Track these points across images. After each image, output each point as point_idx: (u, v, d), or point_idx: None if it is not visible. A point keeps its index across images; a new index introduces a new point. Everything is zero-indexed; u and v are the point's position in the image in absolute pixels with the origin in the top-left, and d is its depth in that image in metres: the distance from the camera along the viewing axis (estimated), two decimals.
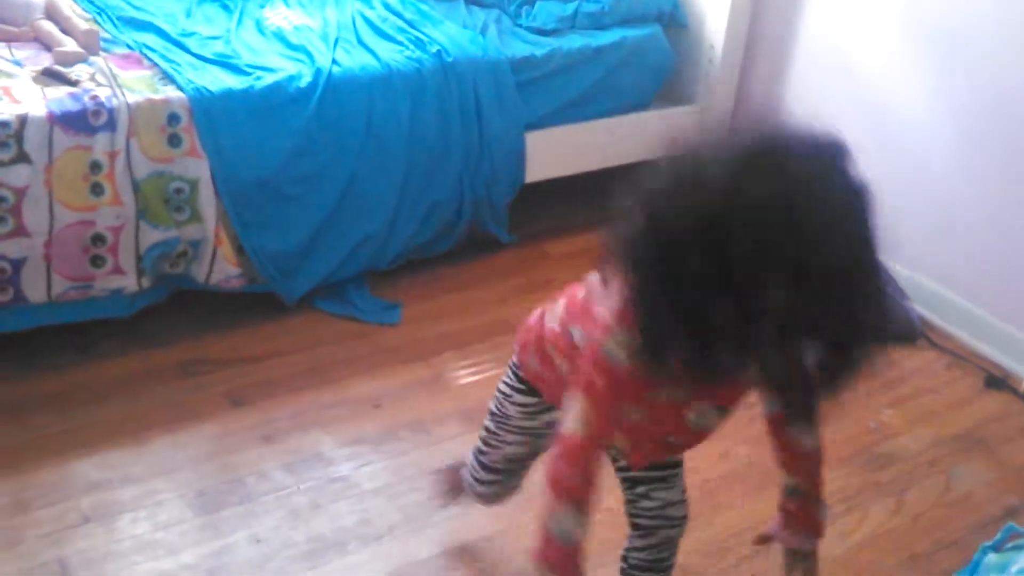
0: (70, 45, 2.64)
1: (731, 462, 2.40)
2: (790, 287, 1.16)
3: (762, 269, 1.17)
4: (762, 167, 1.20)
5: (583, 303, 1.58)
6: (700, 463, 2.37)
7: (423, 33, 3.03)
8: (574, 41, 3.19)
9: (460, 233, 3.09)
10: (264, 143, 2.67)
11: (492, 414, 1.83)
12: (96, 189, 2.46)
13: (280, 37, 2.98)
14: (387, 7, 3.21)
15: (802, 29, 3.25)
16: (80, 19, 2.77)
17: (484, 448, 1.89)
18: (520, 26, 3.26)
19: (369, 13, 3.17)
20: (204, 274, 2.67)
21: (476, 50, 3.00)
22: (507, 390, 1.79)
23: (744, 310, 1.18)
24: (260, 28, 3.04)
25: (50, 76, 2.54)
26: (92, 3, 2.94)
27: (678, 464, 1.76)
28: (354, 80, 2.80)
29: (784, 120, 1.30)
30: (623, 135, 3.37)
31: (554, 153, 3.22)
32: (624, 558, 1.82)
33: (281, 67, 2.77)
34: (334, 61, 2.82)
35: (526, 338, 1.73)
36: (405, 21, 3.12)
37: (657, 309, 1.25)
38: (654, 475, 1.71)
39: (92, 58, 2.65)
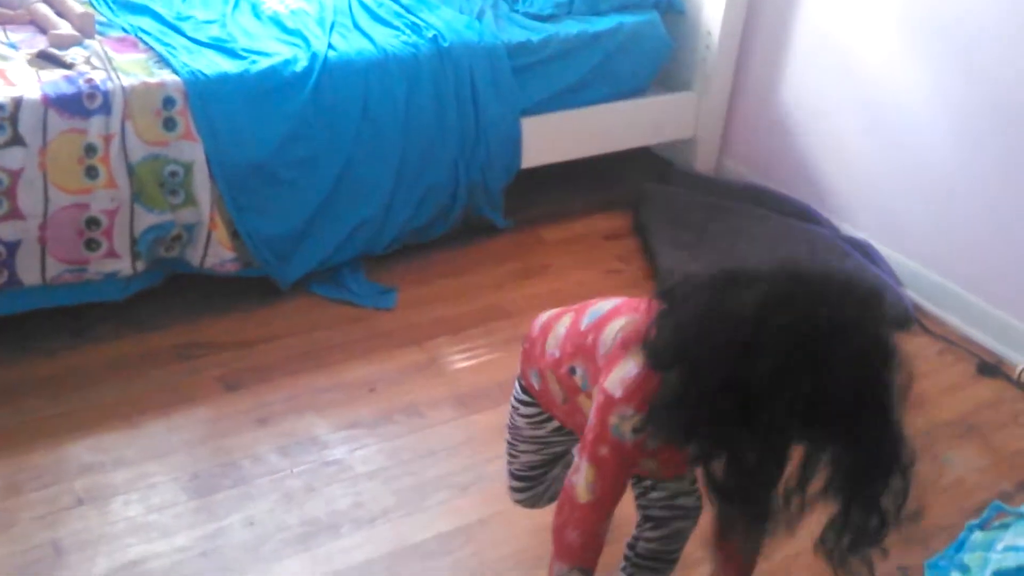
0: (65, 28, 2.64)
1: None
2: (798, 418, 1.23)
3: (774, 398, 1.23)
4: (794, 302, 1.25)
5: (586, 338, 1.60)
6: None
7: (419, 18, 3.02)
8: (571, 27, 3.18)
9: (456, 218, 3.09)
10: (259, 127, 2.67)
11: (507, 426, 1.89)
12: (91, 172, 2.46)
13: (276, 21, 2.97)
14: None
15: (799, 15, 3.24)
16: (75, 2, 2.77)
17: (508, 459, 1.94)
18: (516, 11, 3.26)
19: None
20: (199, 258, 2.67)
21: (472, 35, 2.99)
22: (514, 402, 1.84)
23: (750, 429, 1.25)
24: (256, 12, 3.04)
25: (45, 59, 2.53)
26: None
27: None
28: (350, 65, 2.79)
29: (828, 265, 1.37)
30: (620, 121, 3.37)
31: (550, 139, 3.22)
32: (631, 546, 1.82)
33: (277, 51, 2.77)
34: (330, 46, 2.82)
35: (528, 352, 1.77)
36: (401, 6, 3.12)
37: (674, 409, 1.32)
38: None
39: (87, 41, 2.65)
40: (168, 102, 2.53)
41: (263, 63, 2.69)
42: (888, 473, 1.29)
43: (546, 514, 1.72)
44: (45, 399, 2.39)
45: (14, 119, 2.36)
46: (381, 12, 3.07)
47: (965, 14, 2.75)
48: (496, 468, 2.04)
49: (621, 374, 1.44)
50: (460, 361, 2.65)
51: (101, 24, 2.76)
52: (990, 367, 2.75)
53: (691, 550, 1.90)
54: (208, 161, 2.59)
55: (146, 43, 2.69)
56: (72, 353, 2.55)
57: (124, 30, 2.76)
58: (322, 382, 2.52)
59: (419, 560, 2.05)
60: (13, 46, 2.59)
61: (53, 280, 2.51)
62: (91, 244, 2.51)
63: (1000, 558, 1.56)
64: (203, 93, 2.57)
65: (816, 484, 1.30)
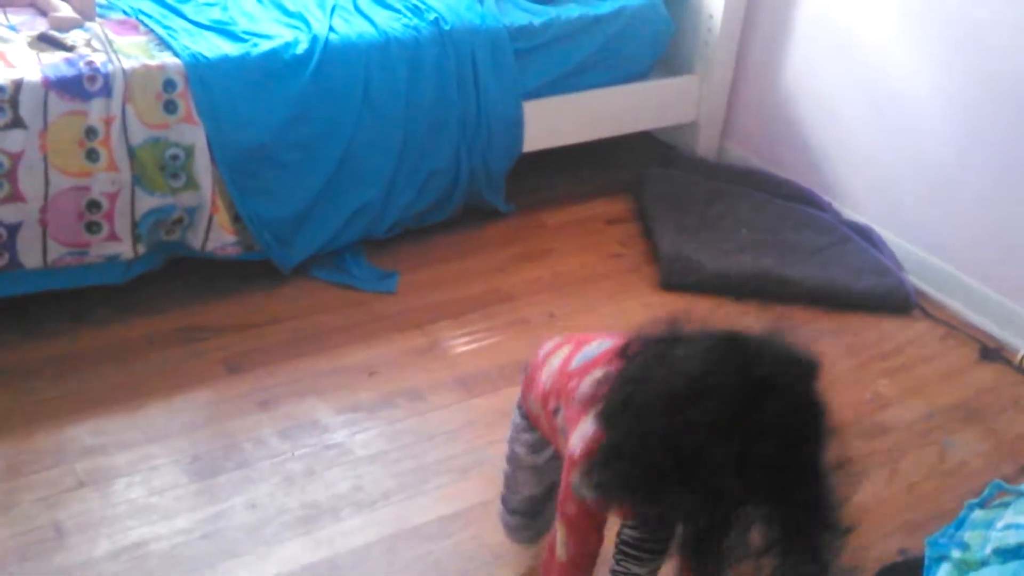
0: (65, 10, 2.63)
1: None
2: (731, 476, 1.27)
3: (707, 456, 1.28)
4: (729, 362, 1.31)
5: (569, 382, 1.60)
6: None
7: (421, 1, 3.01)
8: (572, 10, 3.17)
9: (457, 202, 3.09)
10: (260, 110, 2.66)
11: (507, 457, 1.90)
12: (91, 155, 2.46)
13: (277, 4, 2.96)
14: None
15: None
16: None
17: (505, 492, 1.95)
18: None
19: None
20: (200, 241, 2.67)
21: (474, 18, 2.98)
22: (513, 432, 1.85)
23: (690, 483, 1.30)
24: None
25: (45, 41, 2.52)
26: None
27: None
28: (351, 48, 2.78)
29: (767, 332, 1.39)
30: (621, 105, 3.36)
31: (552, 123, 3.21)
32: (619, 533, 1.82)
33: (278, 34, 2.76)
34: (331, 28, 2.81)
35: (528, 380, 1.77)
36: None
37: (611, 467, 1.36)
38: None
39: (88, 24, 2.63)
40: (169, 85, 2.53)
41: (264, 46, 2.68)
42: (822, 526, 1.36)
43: None
44: (46, 381, 2.39)
45: (15, 101, 2.35)
46: None
47: None
48: (497, 452, 2.04)
49: (581, 432, 1.48)
50: (461, 345, 2.65)
51: (101, 6, 2.74)
52: (991, 352, 2.75)
53: None
54: (209, 144, 2.58)
55: (147, 25, 2.68)
56: (73, 336, 2.55)
57: (125, 12, 2.75)
58: (323, 366, 2.52)
59: (419, 543, 2.05)
60: (13, 28, 2.59)
61: (54, 263, 2.51)
62: (92, 227, 2.51)
63: (1000, 536, 1.56)
64: (204, 76, 2.57)
65: (757, 539, 1.35)
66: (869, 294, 2.88)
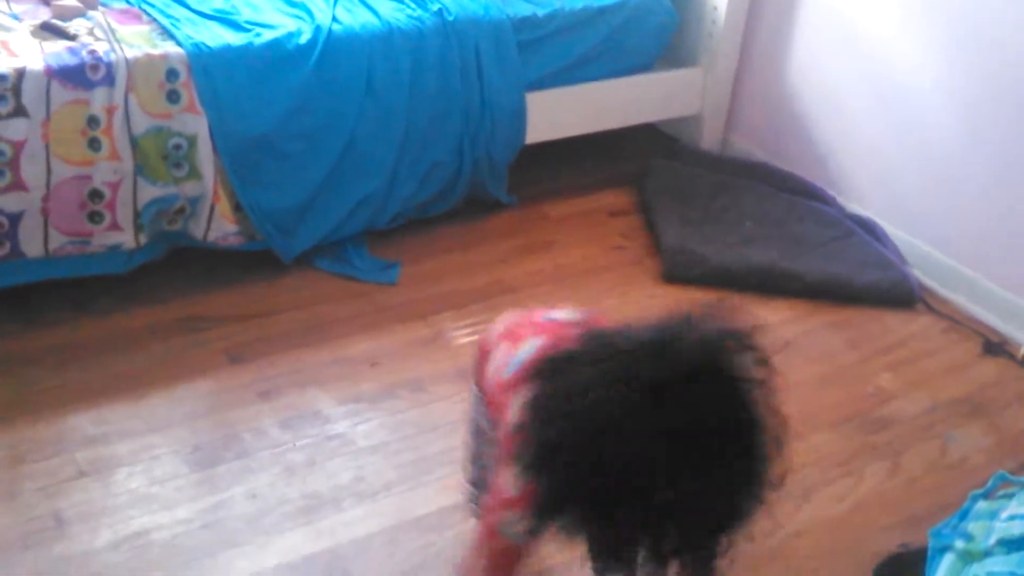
0: None
1: None
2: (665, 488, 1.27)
3: (636, 483, 1.28)
4: (637, 387, 1.28)
5: (503, 396, 1.58)
6: None
7: None
8: (576, 1, 3.15)
9: (460, 193, 3.08)
10: (263, 100, 2.66)
11: (470, 429, 1.88)
12: (94, 144, 2.45)
13: None
14: None
15: None
16: None
17: (466, 463, 1.94)
18: None
19: None
20: (202, 231, 2.66)
21: (477, 9, 2.97)
22: (474, 402, 1.83)
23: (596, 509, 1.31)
24: None
25: (48, 30, 2.52)
26: None
27: None
28: (354, 38, 2.78)
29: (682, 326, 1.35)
30: (625, 97, 3.35)
31: (555, 114, 3.20)
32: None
33: (281, 24, 2.75)
34: (334, 19, 2.80)
35: (480, 356, 1.75)
36: None
37: (550, 514, 1.37)
38: None
39: (90, 12, 2.63)
40: (171, 74, 2.52)
41: (267, 36, 2.67)
42: (723, 531, 1.36)
43: None
44: (48, 371, 2.39)
45: (17, 90, 2.35)
46: None
47: None
48: None
49: (507, 476, 1.47)
50: (464, 336, 2.64)
51: None
52: (995, 346, 2.74)
53: None
54: (211, 134, 2.58)
55: (149, 15, 2.68)
56: (75, 325, 2.55)
57: (127, 2, 2.74)
58: (325, 356, 2.52)
59: (421, 534, 2.05)
60: (16, 17, 2.58)
61: (56, 252, 2.51)
62: (94, 216, 2.51)
63: (1005, 527, 1.56)
64: (206, 65, 2.56)
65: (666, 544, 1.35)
66: (873, 288, 2.88)
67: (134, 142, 2.50)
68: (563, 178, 3.42)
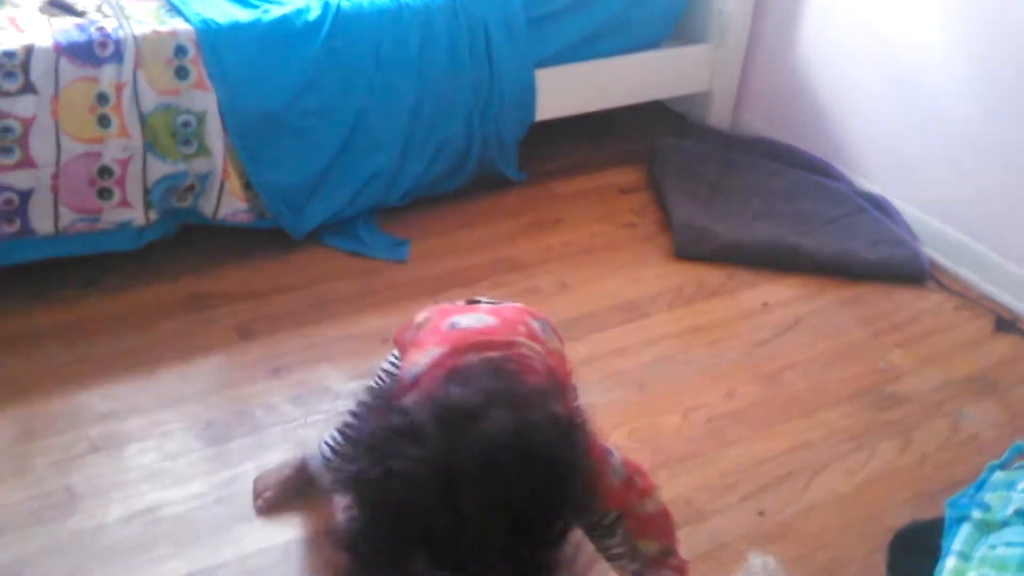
0: None
1: (737, 401, 2.40)
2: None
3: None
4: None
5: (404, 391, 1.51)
6: (706, 400, 2.38)
7: None
8: None
9: (469, 171, 3.07)
10: (272, 77, 2.65)
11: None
12: (103, 121, 2.45)
13: None
14: None
15: None
16: None
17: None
18: None
19: None
20: (212, 208, 2.66)
21: None
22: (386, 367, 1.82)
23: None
24: None
25: (56, 7, 2.51)
26: None
27: None
28: (363, 14, 2.76)
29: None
30: (635, 74, 3.34)
31: (565, 91, 3.19)
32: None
33: (289, 0, 2.74)
34: None
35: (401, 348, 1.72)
36: None
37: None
38: None
39: None
40: (180, 51, 2.51)
41: (275, 12, 2.66)
42: None
43: None
44: (58, 347, 2.39)
45: (26, 67, 2.34)
46: None
47: None
48: None
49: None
50: None
51: None
52: (1007, 323, 2.73)
53: (695, 494, 1.90)
54: (220, 111, 2.57)
55: None
56: (85, 302, 2.55)
57: None
58: (335, 333, 2.52)
59: None
60: None
61: (66, 229, 2.50)
62: (104, 193, 2.51)
63: (1022, 497, 1.56)
64: (215, 42, 2.55)
65: None
66: (883, 264, 2.87)
67: (143, 119, 2.49)
68: (572, 155, 3.41)
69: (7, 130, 2.36)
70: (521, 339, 1.56)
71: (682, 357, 2.53)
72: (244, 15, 2.63)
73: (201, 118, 2.56)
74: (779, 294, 2.78)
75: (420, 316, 1.71)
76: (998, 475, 1.68)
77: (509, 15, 2.97)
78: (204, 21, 2.55)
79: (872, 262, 2.87)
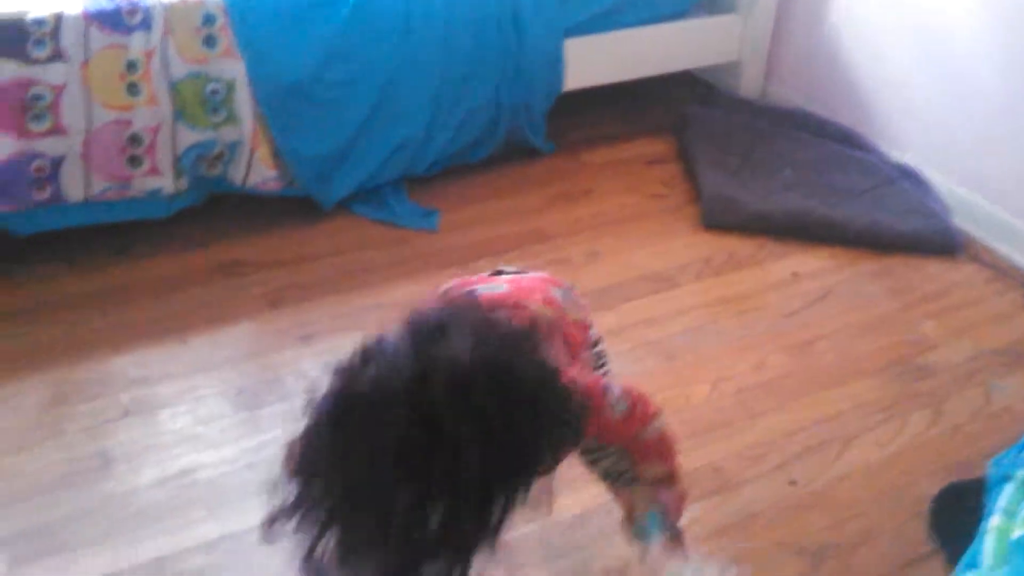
0: None
1: (766, 371, 2.38)
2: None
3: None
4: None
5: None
6: (736, 371, 2.37)
7: None
8: None
9: (498, 140, 3.06)
10: (299, 46, 2.64)
11: None
12: (132, 89, 2.45)
13: None
14: None
15: None
16: None
17: None
18: None
19: None
20: (241, 176, 2.66)
21: None
22: None
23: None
24: None
25: None
26: None
27: None
28: None
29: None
30: (663, 44, 3.31)
31: (593, 61, 3.17)
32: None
33: None
34: None
35: None
36: None
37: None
38: None
39: None
40: (208, 19, 2.51)
41: None
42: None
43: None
44: (90, 314, 2.41)
45: (55, 34, 2.35)
46: None
47: None
48: None
49: None
50: None
51: None
52: None
53: (726, 462, 1.88)
54: (249, 79, 2.57)
55: None
56: (116, 270, 2.56)
57: None
58: (365, 301, 2.52)
59: None
60: None
61: (96, 197, 2.51)
62: (134, 161, 2.51)
63: None
64: (243, 10, 2.55)
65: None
66: (915, 236, 2.84)
67: (172, 87, 2.49)
68: (601, 126, 3.39)
69: (38, 97, 2.36)
70: (533, 305, 1.55)
71: (712, 327, 2.52)
72: None
73: (230, 86, 2.55)
74: (809, 265, 2.76)
75: (443, 287, 1.71)
76: None
77: None
78: None
79: (903, 233, 2.84)
